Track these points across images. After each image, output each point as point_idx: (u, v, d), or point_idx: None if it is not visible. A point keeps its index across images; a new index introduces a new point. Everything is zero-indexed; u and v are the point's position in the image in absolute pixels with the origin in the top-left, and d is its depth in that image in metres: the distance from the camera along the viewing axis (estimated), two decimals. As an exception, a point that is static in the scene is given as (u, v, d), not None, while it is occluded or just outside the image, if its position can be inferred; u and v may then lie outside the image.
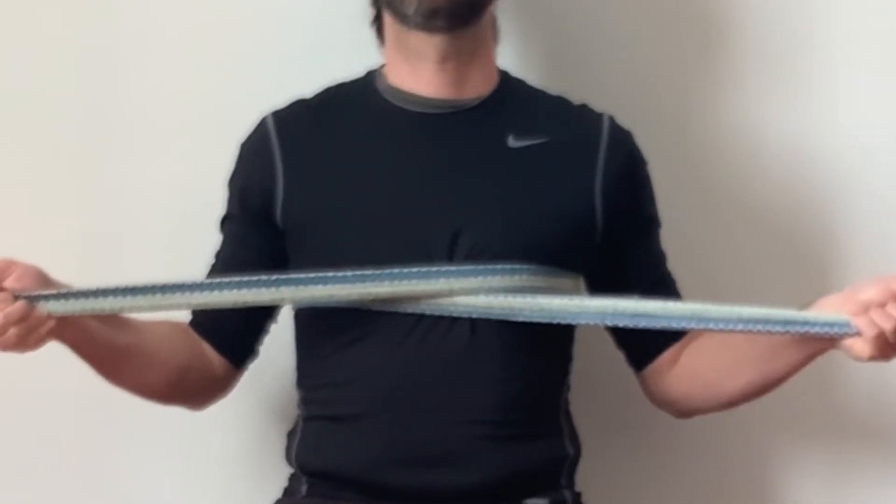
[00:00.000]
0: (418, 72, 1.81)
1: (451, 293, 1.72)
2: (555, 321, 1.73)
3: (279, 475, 1.87)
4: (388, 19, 1.83)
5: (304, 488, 1.82)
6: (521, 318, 1.73)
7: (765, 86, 2.10)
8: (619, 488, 2.10)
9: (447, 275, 1.72)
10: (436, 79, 1.80)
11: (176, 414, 1.95)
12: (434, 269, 1.72)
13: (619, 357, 1.91)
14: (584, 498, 1.85)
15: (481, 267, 1.73)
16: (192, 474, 2.11)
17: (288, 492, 1.85)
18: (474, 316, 1.73)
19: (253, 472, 2.08)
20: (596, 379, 2.01)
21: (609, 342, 1.89)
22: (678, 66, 2.10)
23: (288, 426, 1.88)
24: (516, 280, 1.73)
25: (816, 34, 2.10)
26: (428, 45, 1.79)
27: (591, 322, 1.75)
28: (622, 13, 2.10)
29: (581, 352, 1.87)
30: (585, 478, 1.86)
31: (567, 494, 1.82)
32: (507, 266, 1.73)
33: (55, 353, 1.72)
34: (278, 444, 1.90)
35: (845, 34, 2.10)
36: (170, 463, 2.11)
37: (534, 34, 2.08)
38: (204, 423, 2.04)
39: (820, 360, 1.77)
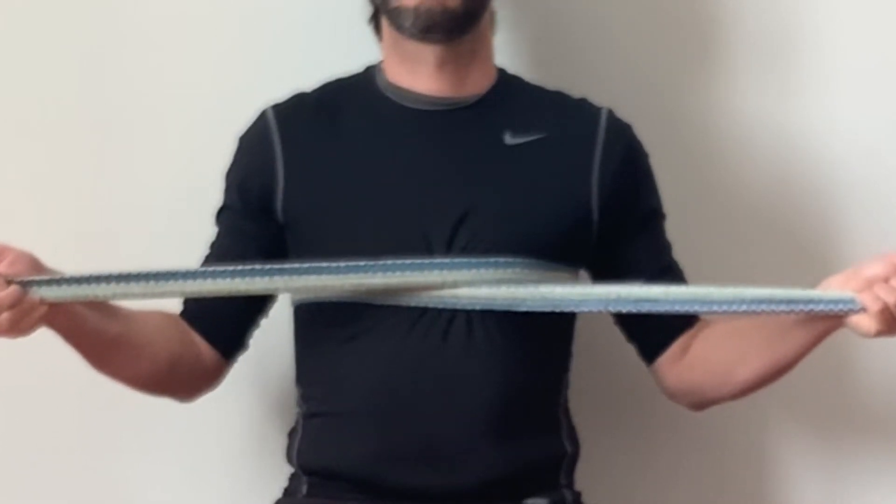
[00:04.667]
0: (416, 73, 1.82)
1: (443, 285, 1.72)
2: (558, 310, 1.73)
3: (279, 475, 1.87)
4: (384, 22, 1.84)
5: (304, 488, 1.81)
6: (524, 308, 1.72)
7: (761, 79, 2.10)
8: (619, 487, 2.09)
9: (441, 267, 1.72)
10: (434, 80, 1.81)
11: (175, 413, 1.96)
12: (427, 261, 1.72)
13: (618, 355, 1.92)
14: (583, 497, 1.85)
15: (475, 260, 1.73)
16: (191, 474, 2.11)
17: (288, 492, 1.85)
18: (477, 308, 1.73)
19: (253, 472, 2.08)
20: (595, 377, 2.02)
21: (608, 340, 1.90)
22: (673, 60, 2.11)
23: (288, 425, 1.88)
24: (510, 273, 1.73)
25: (812, 26, 2.11)
26: (425, 52, 1.80)
27: (595, 309, 1.74)
28: (617, 7, 2.11)
29: (580, 350, 1.87)
30: (585, 476, 1.86)
31: (567, 494, 1.82)
32: (501, 259, 1.73)
33: (53, 353, 1.72)
34: (278, 444, 1.90)
35: (840, 28, 2.11)
36: (170, 463, 2.10)
37: (529, 29, 2.08)
38: (204, 423, 2.06)
39: (823, 355, 1.77)
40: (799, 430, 2.14)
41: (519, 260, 1.74)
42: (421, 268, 1.72)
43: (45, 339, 1.68)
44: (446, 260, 1.73)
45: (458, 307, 1.73)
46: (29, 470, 2.08)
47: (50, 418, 2.08)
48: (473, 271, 1.72)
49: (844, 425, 2.14)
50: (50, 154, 2.07)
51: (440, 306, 1.73)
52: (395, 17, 1.78)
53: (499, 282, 1.73)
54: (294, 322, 1.86)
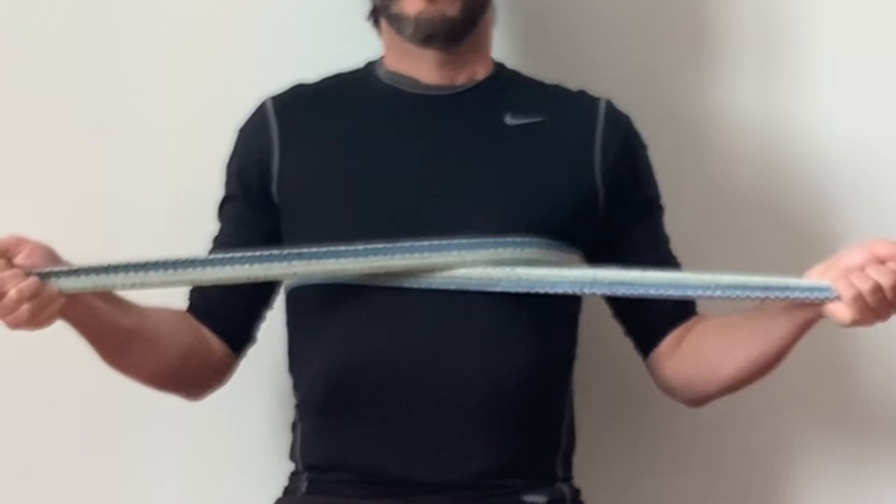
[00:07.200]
0: (415, 69, 1.84)
1: (462, 265, 1.72)
2: (532, 291, 1.73)
3: (279, 474, 1.86)
4: (384, 22, 1.85)
5: (304, 486, 1.81)
6: (498, 289, 1.72)
7: (758, 72, 2.13)
8: (619, 484, 2.10)
9: (458, 248, 1.72)
10: (433, 74, 1.83)
11: (176, 413, 1.96)
12: (445, 242, 1.72)
13: (619, 352, 1.92)
14: (583, 494, 1.85)
15: (492, 240, 1.73)
16: (192, 474, 2.10)
17: (288, 490, 1.84)
18: (452, 287, 1.72)
19: (253, 471, 2.06)
20: (596, 374, 2.02)
21: (608, 336, 1.91)
22: (670, 53, 2.13)
23: (289, 425, 1.87)
24: (526, 253, 1.74)
25: (808, 20, 2.13)
26: (426, 54, 1.82)
27: (570, 291, 1.74)
28: (614, 1, 2.14)
29: (581, 347, 1.87)
30: (585, 474, 1.86)
31: (565, 489, 1.82)
32: (518, 239, 1.74)
33: (54, 353, 1.71)
34: (278, 443, 1.90)
35: (836, 22, 2.13)
36: (170, 463, 2.10)
37: (525, 22, 2.10)
38: (204, 422, 2.05)
39: (824, 354, 1.78)
40: (799, 430, 2.15)
41: (535, 240, 1.75)
42: (438, 249, 1.72)
43: (47, 339, 1.67)
44: (463, 241, 1.73)
45: (434, 287, 1.72)
46: (30, 470, 2.07)
47: (50, 418, 2.07)
48: (491, 251, 1.73)
49: (844, 425, 2.14)
50: (47, 152, 2.06)
51: (415, 286, 1.72)
52: (396, 23, 1.80)
53: (514, 262, 1.73)
54: (286, 308, 1.85)
